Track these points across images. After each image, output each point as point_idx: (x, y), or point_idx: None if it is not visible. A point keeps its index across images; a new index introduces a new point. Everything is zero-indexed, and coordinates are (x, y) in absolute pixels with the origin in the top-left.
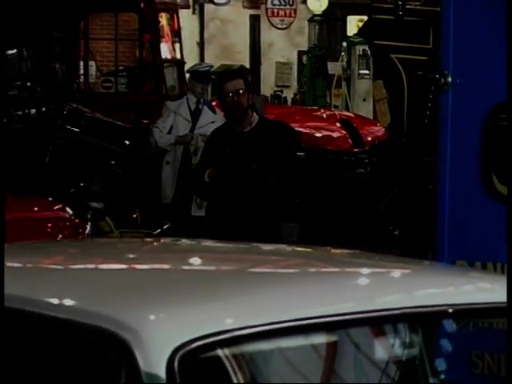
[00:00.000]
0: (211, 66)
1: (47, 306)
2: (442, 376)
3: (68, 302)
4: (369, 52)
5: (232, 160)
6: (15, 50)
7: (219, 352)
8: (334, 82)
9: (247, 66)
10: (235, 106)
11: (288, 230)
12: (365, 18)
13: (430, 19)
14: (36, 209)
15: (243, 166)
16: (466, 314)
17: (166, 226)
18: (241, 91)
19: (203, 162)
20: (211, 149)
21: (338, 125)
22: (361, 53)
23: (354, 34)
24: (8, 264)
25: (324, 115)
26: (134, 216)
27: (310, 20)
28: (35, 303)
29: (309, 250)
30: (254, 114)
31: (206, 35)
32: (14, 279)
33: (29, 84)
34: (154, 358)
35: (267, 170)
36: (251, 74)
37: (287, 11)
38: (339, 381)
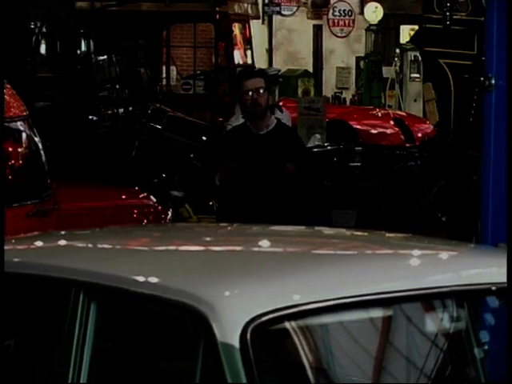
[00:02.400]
0: (279, 70)
1: (134, 283)
2: (486, 347)
3: (152, 279)
4: (419, 57)
5: (231, 174)
6: (105, 57)
7: (287, 325)
8: (388, 85)
9: (310, 70)
10: (254, 105)
11: (346, 216)
12: (416, 27)
13: (475, 28)
14: (124, 197)
15: (259, 170)
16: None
17: None
18: (261, 90)
19: (218, 162)
20: (226, 148)
21: (392, 123)
22: (412, 58)
23: (407, 42)
24: (99, 245)
25: (379, 114)
26: (210, 203)
27: (367, 29)
28: (123, 280)
29: (365, 233)
30: (273, 116)
31: (274, 43)
32: (105, 259)
33: (117, 86)
34: (229, 329)
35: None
36: (314, 77)
37: (346, 21)
38: (393, 351)
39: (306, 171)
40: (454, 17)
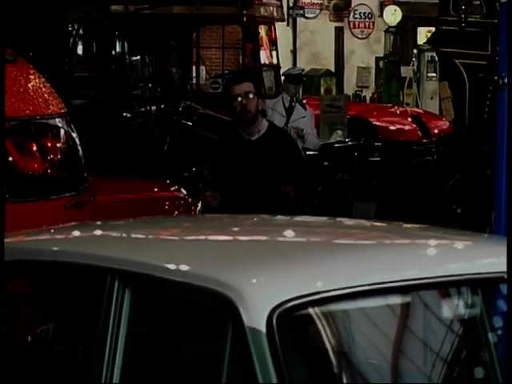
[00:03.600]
0: (302, 70)
1: (166, 271)
2: (499, 332)
3: (183, 267)
4: (436, 58)
5: (213, 200)
6: (139, 57)
7: (310, 310)
8: (406, 84)
9: (332, 70)
10: (243, 110)
11: (366, 208)
12: (433, 29)
13: (489, 29)
14: (156, 190)
15: (252, 177)
16: None
17: None
18: (250, 95)
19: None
20: (219, 157)
21: (410, 119)
22: (429, 58)
23: (424, 43)
24: (133, 235)
25: (397, 111)
26: None
27: (386, 31)
28: (156, 268)
29: (384, 224)
30: (264, 120)
31: (298, 44)
32: (138, 248)
33: (150, 85)
34: (256, 315)
35: (280, 181)
36: (336, 76)
37: (366, 23)
38: (411, 336)
39: (300, 175)
40: (469, 19)
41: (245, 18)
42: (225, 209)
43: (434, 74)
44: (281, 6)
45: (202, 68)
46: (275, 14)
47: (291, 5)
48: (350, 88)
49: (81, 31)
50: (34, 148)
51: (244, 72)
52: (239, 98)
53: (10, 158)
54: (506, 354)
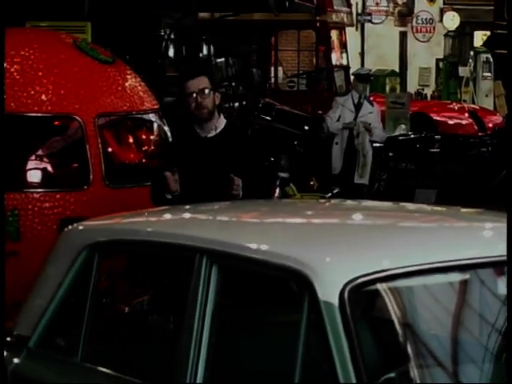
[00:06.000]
0: (370, 70)
1: (248, 250)
2: None
3: (263, 246)
4: (491, 59)
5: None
6: (223, 59)
7: (378, 286)
8: (463, 82)
9: (397, 70)
10: (198, 108)
11: (427, 194)
12: (488, 32)
13: None
14: None
15: (207, 175)
16: None
17: (335, 191)
18: (206, 91)
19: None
20: (175, 152)
21: (467, 115)
22: (484, 60)
23: (480, 45)
24: (218, 218)
25: (455, 107)
26: (312, 183)
27: (446, 35)
28: (239, 247)
29: (444, 209)
30: (222, 116)
31: (365, 47)
32: (224, 229)
33: (233, 84)
34: (329, 290)
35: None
36: (400, 76)
37: (428, 28)
38: (469, 310)
39: (250, 176)
40: None
41: (318, 24)
42: (181, 200)
43: (489, 74)
44: (350, 13)
45: (280, 69)
46: (345, 19)
47: (360, 11)
48: (412, 86)
49: (172, 36)
50: (131, 140)
51: (199, 65)
52: (194, 95)
53: (110, 149)
54: (507, 354)
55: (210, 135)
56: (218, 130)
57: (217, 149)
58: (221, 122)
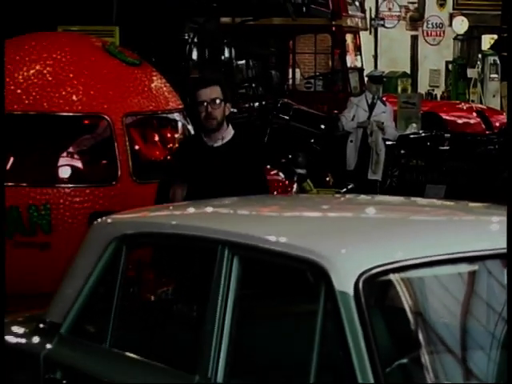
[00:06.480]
0: (383, 72)
1: (267, 242)
2: None
3: (282, 238)
4: (498, 61)
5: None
6: (244, 61)
7: (391, 277)
8: (472, 84)
9: (408, 72)
10: (208, 118)
11: (437, 189)
12: (495, 36)
13: None
14: None
15: (210, 184)
16: None
17: (349, 186)
18: (217, 101)
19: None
20: (180, 161)
21: (474, 114)
22: (492, 62)
23: (487, 48)
24: (239, 211)
25: (464, 107)
26: (327, 179)
27: (455, 38)
28: (259, 239)
29: (453, 203)
30: (230, 127)
31: (378, 50)
32: (244, 222)
33: (253, 85)
34: (345, 280)
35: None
36: (411, 77)
37: (438, 32)
38: (477, 299)
39: (253, 187)
40: None
41: (334, 28)
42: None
43: (496, 76)
44: (364, 18)
45: (297, 70)
46: (360, 24)
47: (373, 16)
48: (423, 87)
49: (195, 39)
50: (156, 138)
51: (213, 73)
52: (205, 104)
53: (137, 147)
54: (507, 355)
55: (216, 145)
56: (225, 141)
57: (221, 159)
58: (228, 133)
